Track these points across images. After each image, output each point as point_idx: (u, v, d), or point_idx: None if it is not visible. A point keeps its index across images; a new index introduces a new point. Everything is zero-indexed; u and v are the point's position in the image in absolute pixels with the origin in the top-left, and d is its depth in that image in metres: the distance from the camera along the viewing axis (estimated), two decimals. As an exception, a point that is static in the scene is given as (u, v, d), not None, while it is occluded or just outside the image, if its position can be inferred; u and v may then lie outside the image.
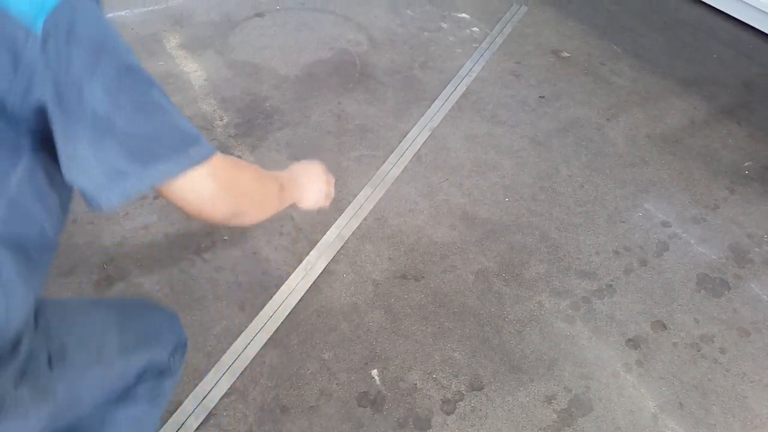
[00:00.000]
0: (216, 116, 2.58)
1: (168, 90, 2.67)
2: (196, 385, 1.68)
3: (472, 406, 1.68)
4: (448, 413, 1.66)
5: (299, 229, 2.13)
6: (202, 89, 2.71)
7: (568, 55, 3.14)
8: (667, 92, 2.90)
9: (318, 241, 2.09)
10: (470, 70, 2.94)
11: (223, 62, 2.84)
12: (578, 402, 1.71)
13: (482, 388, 1.73)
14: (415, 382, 1.73)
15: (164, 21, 3.21)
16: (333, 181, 1.51)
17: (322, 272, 2.00)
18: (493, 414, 1.67)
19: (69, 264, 1.97)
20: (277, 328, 1.83)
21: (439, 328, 1.87)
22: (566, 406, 1.70)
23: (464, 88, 2.84)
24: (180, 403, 1.63)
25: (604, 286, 2.02)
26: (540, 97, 2.82)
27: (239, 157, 2.40)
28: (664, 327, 1.91)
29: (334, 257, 2.05)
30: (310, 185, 1.39)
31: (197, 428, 1.59)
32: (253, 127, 2.52)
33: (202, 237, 2.08)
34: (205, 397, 1.66)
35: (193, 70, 2.80)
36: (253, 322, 1.84)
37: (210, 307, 1.88)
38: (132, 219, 2.13)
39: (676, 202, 2.32)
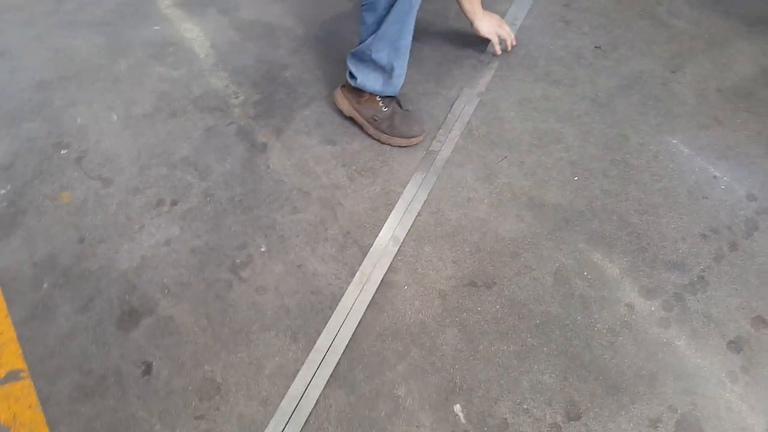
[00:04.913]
0: (230, 92, 2.23)
1: (169, 62, 2.32)
2: (257, 442, 1.44)
3: (573, 442, 1.47)
4: (548, 452, 1.45)
5: (346, 233, 1.84)
6: (208, 59, 2.33)
7: (618, -9, 2.78)
8: (733, 34, 2.58)
9: (370, 246, 1.81)
10: (515, 17, 2.59)
11: (229, 23, 2.45)
12: (686, 423, 1.51)
13: (580, 417, 1.51)
14: (504, 416, 1.50)
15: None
16: (508, 29, 2.41)
17: (379, 285, 1.73)
18: (597, 449, 1.46)
19: (83, 297, 1.67)
20: (338, 361, 1.58)
21: (522, 345, 1.63)
22: (674, 430, 1.50)
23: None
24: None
25: (695, 279, 1.78)
26: (595, 47, 2.49)
27: (264, 143, 2.07)
28: (765, 323, 1.70)
29: (391, 265, 1.77)
30: (488, 18, 2.36)
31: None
32: (275, 105, 2.18)
33: (235, 250, 1.79)
34: (269, 457, 1.42)
35: (195, 35, 2.42)
36: (310, 355, 1.58)
37: (257, 341, 1.61)
38: (149, 233, 1.82)
39: (758, 170, 2.06)
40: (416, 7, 1.85)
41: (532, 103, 2.26)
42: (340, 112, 2.16)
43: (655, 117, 2.22)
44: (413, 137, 2.08)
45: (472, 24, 2.35)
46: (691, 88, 2.34)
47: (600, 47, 2.49)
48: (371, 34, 1.92)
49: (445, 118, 2.19)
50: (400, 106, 2.13)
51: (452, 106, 2.23)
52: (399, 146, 2.09)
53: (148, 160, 2.02)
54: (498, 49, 2.42)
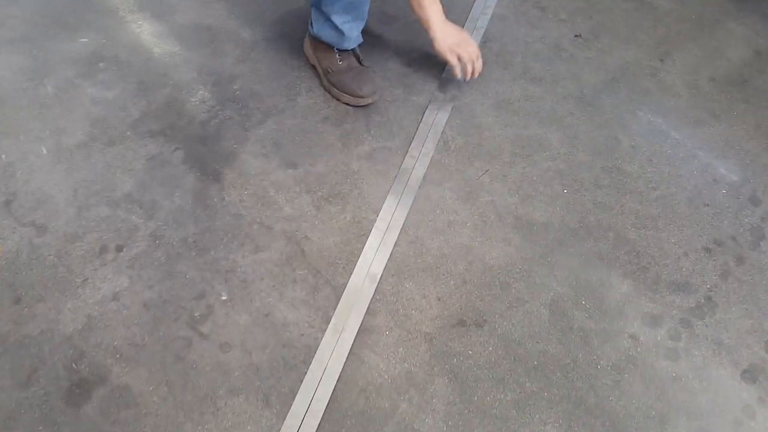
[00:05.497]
0: (173, 113, 1.97)
1: (101, 81, 2.03)
2: None
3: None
4: None
5: (317, 272, 1.64)
6: (145, 74, 2.07)
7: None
8: (721, 15, 2.41)
9: (344, 286, 1.62)
10: (485, 6, 2.37)
11: (165, 30, 2.18)
12: (702, 469, 1.38)
13: (588, 473, 1.37)
14: (506, 478, 1.35)
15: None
16: (472, 49, 1.98)
17: (358, 332, 1.54)
18: None
19: (25, 369, 1.45)
20: (318, 426, 1.39)
21: (520, 392, 1.47)
22: (689, 478, 1.36)
23: (482, 33, 2.29)
24: None
25: (702, 300, 1.64)
26: (576, 36, 2.29)
27: (216, 171, 1.84)
28: (779, 347, 1.57)
29: (369, 308, 1.59)
30: (448, 31, 1.94)
31: None
32: (225, 124, 1.94)
33: (193, 301, 1.58)
34: None
35: (129, 45, 2.14)
36: (287, 420, 1.40)
37: (225, 408, 1.42)
38: (94, 287, 1.59)
39: (760, 169, 1.92)
40: None
41: (511, 106, 2.06)
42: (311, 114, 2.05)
43: (646, 114, 2.05)
44: (361, 97, 2.01)
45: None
46: (682, 78, 2.17)
47: (580, 36, 2.30)
48: None
49: (417, 130, 1.98)
50: (359, 61, 2.08)
51: (424, 114, 2.02)
52: (347, 104, 2.04)
53: (85, 199, 1.78)
54: (458, 73, 2.00)
